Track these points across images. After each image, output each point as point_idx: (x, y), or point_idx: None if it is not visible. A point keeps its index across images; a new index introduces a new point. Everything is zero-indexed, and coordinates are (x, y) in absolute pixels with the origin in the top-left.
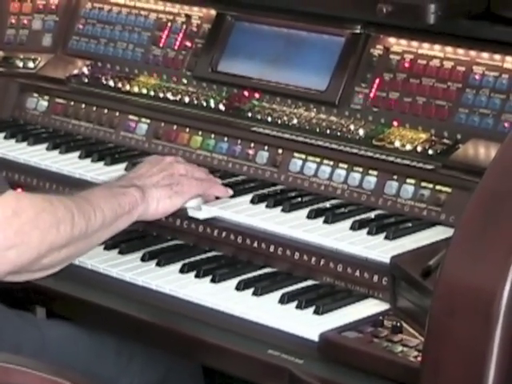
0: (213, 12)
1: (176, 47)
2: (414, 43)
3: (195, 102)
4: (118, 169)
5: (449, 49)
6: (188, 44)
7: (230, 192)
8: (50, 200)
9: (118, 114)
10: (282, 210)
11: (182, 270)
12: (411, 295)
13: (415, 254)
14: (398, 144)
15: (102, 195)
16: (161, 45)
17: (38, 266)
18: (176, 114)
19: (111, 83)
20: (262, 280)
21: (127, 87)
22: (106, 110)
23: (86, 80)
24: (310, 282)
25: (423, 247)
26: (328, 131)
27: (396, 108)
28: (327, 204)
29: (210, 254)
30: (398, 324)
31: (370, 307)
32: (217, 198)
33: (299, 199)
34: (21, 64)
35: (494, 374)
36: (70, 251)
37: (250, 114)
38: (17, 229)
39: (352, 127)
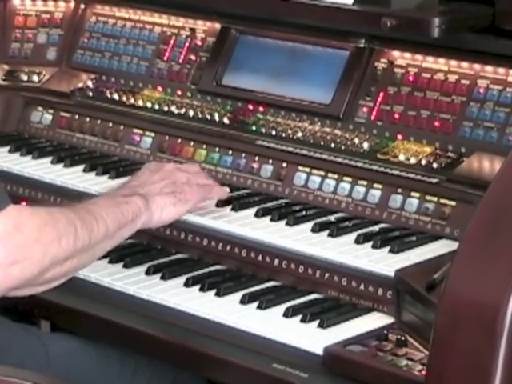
0: (217, 25)
1: (180, 61)
2: (418, 57)
3: (200, 115)
4: (123, 182)
5: (453, 62)
6: (192, 57)
7: (227, 190)
8: (51, 213)
9: (122, 127)
10: (287, 224)
11: (186, 284)
12: (416, 309)
13: (420, 268)
14: (402, 157)
15: (105, 205)
16: (165, 58)
17: (41, 280)
18: (180, 128)
19: (116, 97)
20: (267, 293)
21: (132, 101)
22: (110, 124)
23: (91, 94)
24: (314, 296)
25: (428, 261)
26: (332, 145)
27: (400, 121)
28: (332, 218)
29: (214, 268)
30: (403, 338)
31: (375, 321)
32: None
33: (304, 213)
34: (25, 78)
35: None
36: (74, 264)
37: (254, 128)
38: (19, 244)
39: (356, 141)
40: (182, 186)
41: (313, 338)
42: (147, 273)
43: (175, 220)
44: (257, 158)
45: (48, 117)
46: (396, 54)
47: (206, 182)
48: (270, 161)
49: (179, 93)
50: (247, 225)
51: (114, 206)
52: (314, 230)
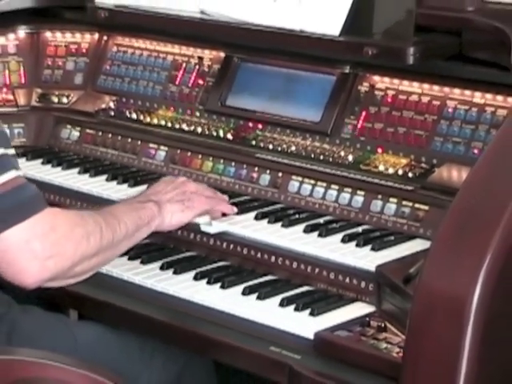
0: (222, 54)
1: (190, 85)
2: (396, 81)
3: (206, 132)
4: (140, 190)
5: (426, 86)
6: (200, 82)
7: (235, 209)
8: (81, 215)
9: (139, 142)
10: (282, 226)
11: (195, 278)
12: (394, 299)
13: (397, 264)
14: (382, 168)
15: (125, 210)
16: (177, 83)
17: (71, 273)
18: (190, 143)
19: (134, 116)
20: (265, 286)
21: (148, 119)
22: (129, 139)
23: (112, 113)
24: (306, 288)
25: (404, 257)
26: (321, 157)
27: (380, 137)
28: (321, 220)
29: (219, 264)
30: (383, 324)
31: (359, 309)
32: (223, 214)
33: (297, 216)
34: (56, 100)
35: (465, 368)
36: (99, 259)
37: (254, 143)
38: (54, 241)
39: (342, 154)
40: (190, 195)
41: (305, 325)
42: (161, 268)
43: (184, 224)
44: (256, 169)
45: (75, 133)
46: (376, 78)
47: (213, 195)
48: (268, 171)
49: (189, 112)
50: (248, 226)
51: (133, 211)
52: (305, 231)
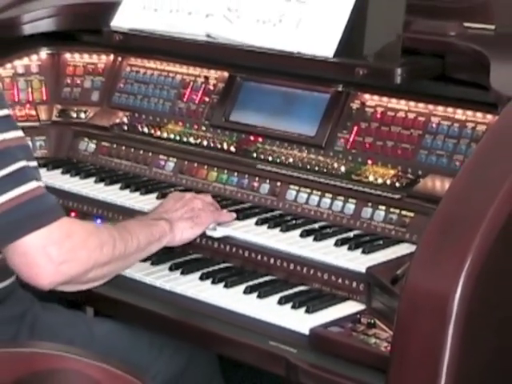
0: (226, 74)
1: (197, 101)
2: (385, 99)
3: (212, 145)
4: (151, 197)
5: (412, 103)
6: (206, 99)
7: (234, 215)
8: (96, 226)
9: (150, 154)
10: (280, 230)
11: (201, 278)
12: (383, 298)
13: (386, 266)
14: (371, 178)
15: (138, 225)
16: (185, 100)
17: (84, 279)
18: (197, 155)
19: (145, 130)
20: (264, 286)
21: (158, 133)
22: (141, 151)
23: (126, 127)
24: (302, 288)
25: (392, 260)
26: (316, 168)
27: (370, 150)
28: (316, 226)
29: (223, 265)
30: (372, 321)
31: (350, 307)
32: None
33: (294, 222)
34: (74, 115)
35: (447, 360)
36: (111, 268)
37: (255, 155)
38: (69, 248)
39: (335, 165)
40: (198, 211)
41: (301, 321)
42: (170, 269)
43: (193, 239)
44: (257, 179)
45: (92, 146)
46: (367, 96)
47: (216, 209)
48: (267, 181)
49: (195, 127)
50: (249, 231)
51: (146, 227)
52: (301, 236)
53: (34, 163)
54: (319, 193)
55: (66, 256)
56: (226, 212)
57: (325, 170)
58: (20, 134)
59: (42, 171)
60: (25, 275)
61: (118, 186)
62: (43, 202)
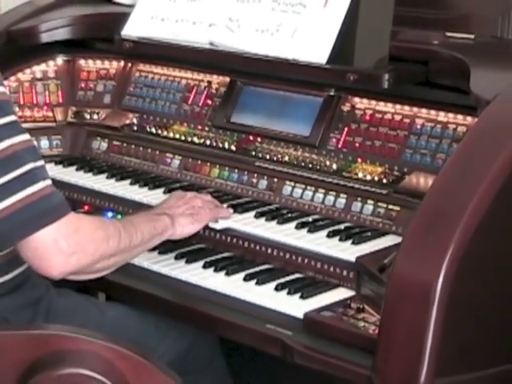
0: (227, 79)
1: (200, 104)
2: (373, 102)
3: (214, 144)
4: (158, 192)
5: (398, 106)
6: (209, 102)
7: (231, 211)
8: (103, 221)
9: (158, 152)
10: (277, 223)
11: (204, 266)
12: (371, 285)
13: (374, 255)
14: (361, 175)
15: (142, 220)
16: (189, 102)
17: (92, 269)
18: (200, 153)
19: (153, 130)
20: (263, 273)
21: (165, 133)
22: (149, 150)
23: (135, 128)
24: (297, 275)
25: (380, 250)
26: (310, 166)
27: (360, 149)
28: (310, 218)
29: (224, 255)
30: (361, 306)
31: (341, 294)
32: None
33: (289, 215)
34: (88, 116)
35: (430, 343)
36: (117, 259)
37: (253, 153)
38: (77, 241)
39: (328, 163)
40: (198, 209)
41: (296, 306)
42: (175, 258)
43: (193, 234)
44: (255, 175)
45: (104, 145)
46: (357, 100)
47: (215, 206)
48: (265, 177)
49: (199, 127)
50: (249, 223)
51: (149, 221)
52: (297, 228)
53: (40, 162)
54: (313, 188)
55: (74, 248)
56: (224, 209)
57: (318, 168)
58: (26, 137)
59: (58, 168)
60: (37, 267)
61: (127, 181)
62: (51, 200)
